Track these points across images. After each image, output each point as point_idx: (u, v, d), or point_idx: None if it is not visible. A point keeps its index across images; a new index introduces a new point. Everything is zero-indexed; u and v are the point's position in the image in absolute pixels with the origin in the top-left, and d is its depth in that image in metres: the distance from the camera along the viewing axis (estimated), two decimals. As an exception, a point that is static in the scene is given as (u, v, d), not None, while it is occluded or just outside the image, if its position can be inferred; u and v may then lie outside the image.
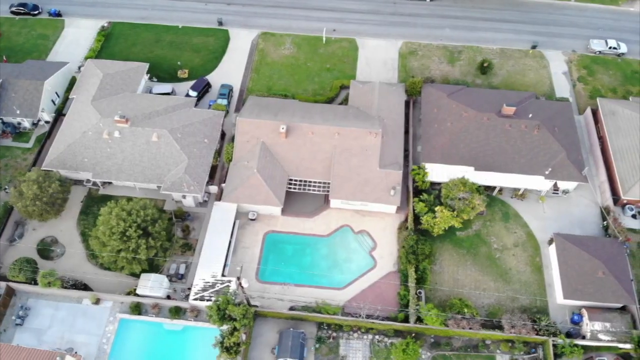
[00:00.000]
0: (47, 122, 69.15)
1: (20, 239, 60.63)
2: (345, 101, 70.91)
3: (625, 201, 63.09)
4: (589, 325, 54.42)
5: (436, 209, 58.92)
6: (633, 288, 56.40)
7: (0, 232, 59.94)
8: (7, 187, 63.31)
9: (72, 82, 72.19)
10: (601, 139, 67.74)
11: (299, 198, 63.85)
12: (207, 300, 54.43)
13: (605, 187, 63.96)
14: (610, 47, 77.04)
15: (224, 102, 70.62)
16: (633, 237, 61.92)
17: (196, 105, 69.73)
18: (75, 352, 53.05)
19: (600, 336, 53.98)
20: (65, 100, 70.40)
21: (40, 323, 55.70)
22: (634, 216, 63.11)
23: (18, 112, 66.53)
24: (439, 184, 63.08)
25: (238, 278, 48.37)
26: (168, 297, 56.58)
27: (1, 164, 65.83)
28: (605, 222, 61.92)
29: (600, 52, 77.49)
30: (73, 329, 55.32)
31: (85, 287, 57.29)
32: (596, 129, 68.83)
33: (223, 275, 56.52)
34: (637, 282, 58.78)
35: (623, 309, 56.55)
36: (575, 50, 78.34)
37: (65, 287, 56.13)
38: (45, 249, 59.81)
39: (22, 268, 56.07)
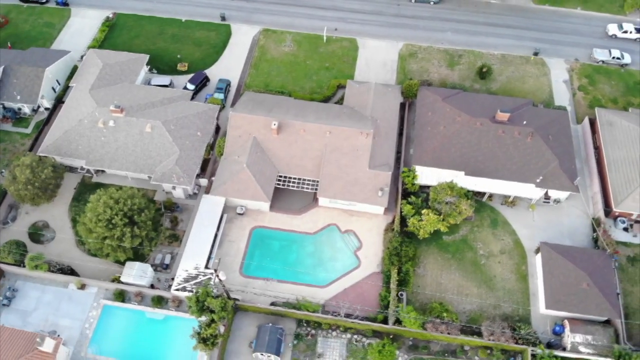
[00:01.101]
0: (46, 108, 70.42)
1: (12, 221, 61.88)
2: (341, 100, 70.94)
3: (617, 213, 62.20)
4: (570, 337, 53.85)
5: (422, 212, 58.78)
6: (619, 302, 55.63)
7: (-6, 214, 61.51)
8: (3, 170, 64.61)
9: (74, 70, 73.41)
10: (597, 149, 66.90)
11: (288, 195, 64.14)
12: (189, 291, 55.00)
13: (597, 199, 63.14)
14: (613, 57, 75.94)
15: (221, 96, 71.14)
16: (624, 251, 61.11)
17: (193, 98, 70.45)
18: (58, 335, 54.02)
19: (581, 348, 53.36)
20: (66, 88, 71.51)
21: (26, 305, 56.81)
22: (625, 229, 62.24)
23: (18, 97, 67.89)
24: (429, 187, 62.88)
25: (215, 270, 48.82)
26: (152, 286, 57.29)
27: (0, 148, 67.26)
28: (595, 234, 61.17)
29: (603, 61, 76.43)
30: (58, 312, 56.32)
31: (71, 272, 58.26)
32: (593, 139, 68.00)
33: (206, 267, 57.06)
34: (625, 296, 58.06)
35: (607, 322, 55.90)
36: (578, 58, 77.37)
37: (53, 271, 57.11)
38: (36, 233, 60.93)
39: (11, 250, 57.23)
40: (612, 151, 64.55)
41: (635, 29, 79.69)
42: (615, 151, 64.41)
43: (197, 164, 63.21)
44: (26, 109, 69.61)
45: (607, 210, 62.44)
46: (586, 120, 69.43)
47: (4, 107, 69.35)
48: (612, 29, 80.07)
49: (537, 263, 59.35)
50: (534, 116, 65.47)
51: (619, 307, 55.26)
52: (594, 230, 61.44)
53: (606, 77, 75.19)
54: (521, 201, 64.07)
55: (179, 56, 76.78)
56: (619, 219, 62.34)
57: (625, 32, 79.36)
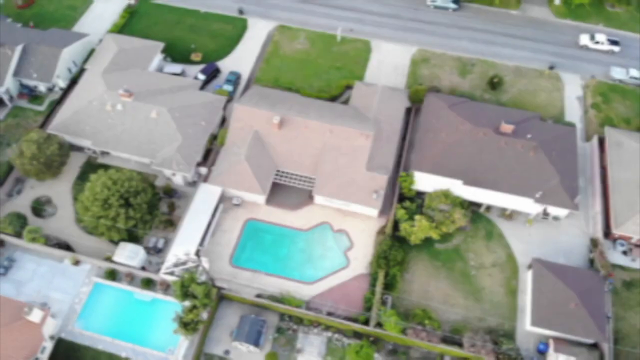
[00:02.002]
0: (61, 88, 72.50)
1: (18, 194, 64.03)
2: (348, 101, 70.99)
3: (617, 236, 60.75)
4: (553, 357, 52.90)
5: (415, 217, 58.52)
6: (607, 325, 54.37)
7: (0, 185, 63.63)
8: (14, 144, 66.80)
9: (92, 53, 75.22)
10: (604, 169, 65.40)
11: (285, 190, 64.61)
12: (177, 276, 55.95)
13: (598, 219, 61.74)
14: (631, 77, 74.00)
15: (230, 88, 72.08)
16: (621, 274, 59.63)
17: (202, 88, 71.60)
18: (49, 308, 55.70)
19: (563, 369, 52.44)
20: (82, 70, 73.45)
21: (22, 276, 58.71)
22: (624, 252, 60.70)
23: (35, 75, 70.18)
24: (425, 193, 62.51)
25: (198, 257, 49.62)
26: (142, 268, 58.54)
27: (14, 122, 69.66)
28: (592, 255, 59.84)
29: (620, 80, 74.55)
30: (51, 285, 58.04)
31: (68, 248, 59.97)
32: (600, 159, 66.43)
33: (196, 254, 57.90)
34: (617, 321, 56.71)
35: (595, 346, 54.66)
36: (595, 76, 75.64)
37: (49, 245, 58.89)
38: (39, 208, 62.90)
39: (12, 222, 59.25)
40: (617, 172, 63.04)
41: (608, 40, 77.43)
42: (620, 172, 62.88)
43: (198, 153, 64.25)
44: (42, 87, 71.89)
45: (607, 232, 61.05)
46: (595, 139, 67.90)
47: (21, 84, 71.82)
48: (584, 39, 78.03)
49: (528, 279, 58.40)
50: (540, 130, 64.31)
51: (607, 330, 54.00)
52: (592, 251, 60.10)
53: (622, 96, 73.31)
54: (519, 215, 63.12)
55: (193, 46, 78.10)
56: (618, 241, 60.82)
57: (597, 42, 77.22)
